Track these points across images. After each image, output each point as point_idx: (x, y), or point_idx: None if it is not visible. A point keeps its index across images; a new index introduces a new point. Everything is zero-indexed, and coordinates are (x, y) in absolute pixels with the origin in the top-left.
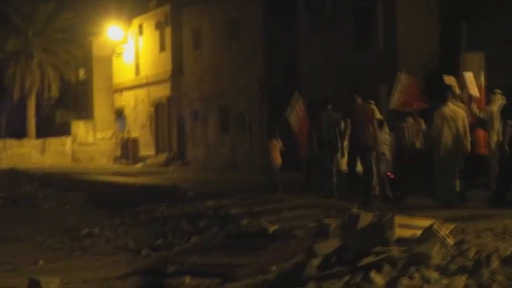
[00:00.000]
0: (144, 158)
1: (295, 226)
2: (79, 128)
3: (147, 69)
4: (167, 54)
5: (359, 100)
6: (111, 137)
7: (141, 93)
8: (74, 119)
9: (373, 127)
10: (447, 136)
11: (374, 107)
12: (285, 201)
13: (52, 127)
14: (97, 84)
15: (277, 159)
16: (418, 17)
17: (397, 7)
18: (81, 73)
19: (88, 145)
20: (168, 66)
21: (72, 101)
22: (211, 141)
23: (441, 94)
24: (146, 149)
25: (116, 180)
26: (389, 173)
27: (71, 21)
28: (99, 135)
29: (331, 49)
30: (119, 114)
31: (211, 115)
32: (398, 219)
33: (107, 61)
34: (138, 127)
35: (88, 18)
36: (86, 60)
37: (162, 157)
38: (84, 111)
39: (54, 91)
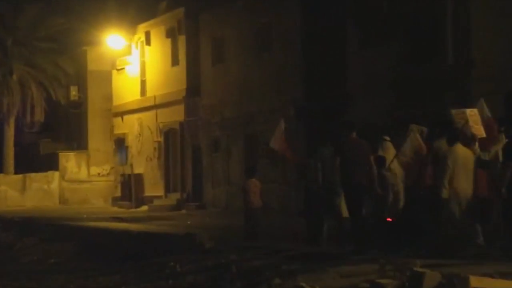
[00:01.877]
0: (150, 200)
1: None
2: (69, 161)
3: (156, 88)
4: (181, 70)
5: (354, 135)
6: (109, 173)
7: (148, 117)
8: (63, 150)
9: (369, 165)
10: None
11: (389, 144)
12: (328, 255)
13: (35, 160)
14: (93, 107)
15: (257, 200)
16: (497, 25)
17: (471, 13)
18: (73, 93)
19: (80, 183)
20: (182, 84)
21: (60, 127)
22: (235, 179)
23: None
24: (153, 189)
25: (115, 226)
26: (388, 218)
27: (60, 28)
28: (94, 170)
29: (386, 64)
30: (120, 144)
31: (235, 145)
32: (475, 281)
33: (106, 78)
34: (143, 161)
35: (82, 24)
36: (79, 76)
37: (173, 199)
38: (76, 140)
39: (38, 115)
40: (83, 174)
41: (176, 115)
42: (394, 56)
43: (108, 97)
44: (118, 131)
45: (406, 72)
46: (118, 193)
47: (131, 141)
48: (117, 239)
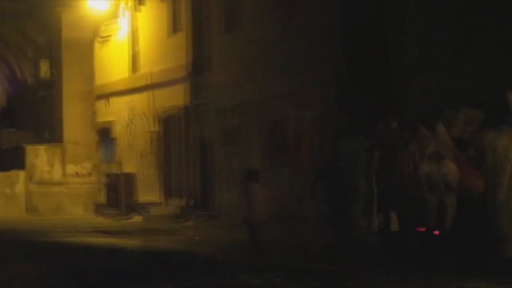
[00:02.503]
0: (145, 208)
1: None
2: (39, 157)
3: (151, 63)
4: (183, 39)
5: (395, 125)
6: (90, 173)
7: (141, 101)
8: (30, 143)
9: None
10: None
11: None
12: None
13: None
14: (69, 87)
15: (259, 211)
16: None
17: None
18: (43, 69)
19: (52, 186)
20: (185, 57)
21: (27, 114)
22: None
23: None
24: (149, 193)
25: (99, 243)
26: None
27: None
28: (71, 169)
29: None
30: (105, 135)
31: (254, 136)
32: None
33: (86, 49)
34: (136, 157)
35: None
36: (52, 48)
37: (176, 206)
38: (48, 130)
39: None
40: (56, 174)
41: (178, 97)
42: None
43: (89, 74)
44: (102, 118)
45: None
46: (103, 199)
47: (119, 131)
48: (101, 258)
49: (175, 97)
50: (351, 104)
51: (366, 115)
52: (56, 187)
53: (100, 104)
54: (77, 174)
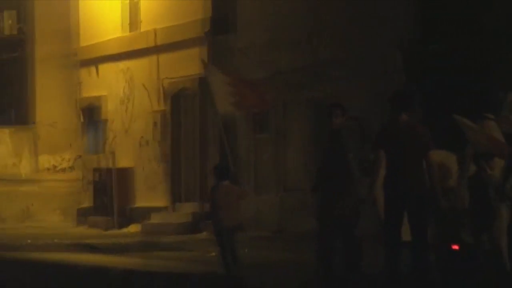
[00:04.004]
0: (145, 214)
1: None
2: (1, 145)
3: (156, 18)
4: None
5: (404, 117)
6: (72, 167)
7: (141, 69)
8: None
9: (428, 164)
10: None
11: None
12: None
13: None
14: (44, 49)
15: (232, 216)
16: None
17: None
18: (8, 23)
19: (20, 184)
20: (201, 11)
21: None
22: (295, 178)
23: None
24: (150, 195)
25: (82, 261)
26: (454, 246)
27: None
28: (45, 161)
29: None
30: (92, 116)
31: (295, 119)
32: None
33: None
34: (134, 147)
35: None
36: None
37: (185, 213)
38: (14, 108)
39: None
40: (25, 168)
41: (192, 65)
42: None
43: (71, 32)
44: (88, 92)
45: None
46: (89, 203)
47: (112, 110)
48: (85, 281)
49: (188, 65)
50: (422, 78)
51: (442, 96)
52: (24, 186)
53: (86, 73)
54: (54, 168)
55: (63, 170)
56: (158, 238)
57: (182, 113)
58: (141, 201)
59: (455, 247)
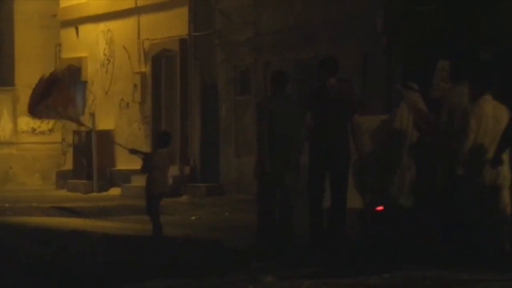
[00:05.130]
0: (125, 177)
1: None
2: None
3: None
4: None
5: (332, 81)
6: (51, 130)
7: (122, 30)
8: None
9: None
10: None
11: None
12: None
13: None
14: (23, 8)
15: (165, 183)
16: None
17: None
18: None
19: None
20: None
21: None
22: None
23: None
24: (130, 158)
25: (61, 224)
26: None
27: None
28: (24, 124)
29: None
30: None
31: None
32: None
33: None
34: (114, 109)
35: None
36: None
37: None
38: None
39: None
40: (4, 130)
41: (173, 26)
42: None
43: None
44: (69, 53)
45: None
46: (68, 165)
47: (92, 72)
48: (64, 246)
49: (169, 26)
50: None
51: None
52: (3, 149)
53: (67, 33)
54: (33, 130)
55: (43, 132)
56: (138, 201)
57: (163, 74)
58: (122, 164)
59: (379, 208)
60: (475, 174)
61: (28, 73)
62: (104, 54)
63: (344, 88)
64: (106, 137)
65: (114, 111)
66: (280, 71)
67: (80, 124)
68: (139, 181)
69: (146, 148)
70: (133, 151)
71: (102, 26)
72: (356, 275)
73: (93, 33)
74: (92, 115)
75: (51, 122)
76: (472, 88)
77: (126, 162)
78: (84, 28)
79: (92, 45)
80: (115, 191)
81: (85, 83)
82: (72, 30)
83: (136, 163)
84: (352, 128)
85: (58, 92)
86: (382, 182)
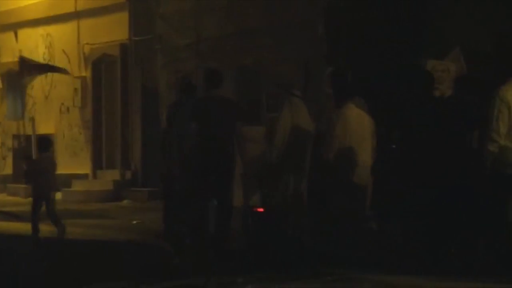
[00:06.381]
0: (66, 182)
1: None
2: None
3: None
4: None
5: (215, 92)
6: None
7: (62, 34)
8: None
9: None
10: None
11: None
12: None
13: None
14: None
15: (50, 185)
16: None
17: None
18: None
19: None
20: None
21: None
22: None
23: None
24: (71, 162)
25: (2, 228)
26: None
27: None
28: None
29: None
30: (11, 82)
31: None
32: None
33: None
34: (54, 113)
35: None
36: None
37: (106, 180)
38: None
39: None
40: None
41: (114, 31)
42: None
43: None
44: (8, 58)
45: None
46: (8, 170)
47: (32, 76)
48: (5, 250)
49: (110, 31)
50: (348, 44)
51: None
52: None
53: (5, 38)
54: None
55: None
56: (79, 205)
57: (103, 79)
58: (62, 168)
59: (260, 209)
60: (346, 175)
61: None
62: (44, 59)
63: (228, 99)
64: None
65: (54, 115)
66: (213, 70)
67: None
68: (79, 186)
69: (86, 152)
70: (26, 157)
71: (41, 30)
72: (296, 279)
73: (33, 37)
74: (32, 120)
75: None
76: (336, 96)
77: (66, 167)
78: (23, 32)
79: (31, 49)
80: (56, 196)
81: (24, 88)
82: (11, 34)
83: (76, 168)
84: (236, 137)
85: None
86: (264, 185)
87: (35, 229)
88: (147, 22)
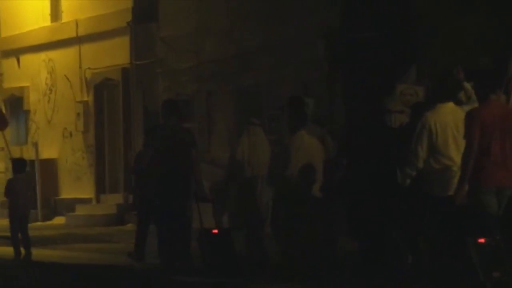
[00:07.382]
0: (69, 206)
1: None
2: None
3: (77, 8)
4: None
5: (172, 120)
6: None
7: (65, 59)
8: None
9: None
10: None
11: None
12: None
13: None
14: None
15: (28, 204)
16: None
17: None
18: None
19: None
20: (123, 2)
21: None
22: (220, 168)
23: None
24: (74, 186)
25: (5, 253)
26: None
27: None
28: None
29: None
30: (14, 107)
31: (220, 108)
32: None
33: None
34: (57, 138)
35: None
36: None
37: (111, 204)
38: None
39: None
40: None
41: (115, 56)
42: None
43: None
44: (11, 83)
45: None
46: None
47: (34, 101)
48: (9, 275)
49: (111, 55)
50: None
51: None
52: None
53: (8, 63)
54: None
55: None
56: (82, 230)
57: (105, 103)
58: (66, 193)
59: (215, 231)
60: (305, 192)
61: None
62: (46, 84)
63: (182, 128)
64: (50, 166)
65: (57, 140)
66: (169, 100)
67: None
68: (83, 210)
69: (89, 177)
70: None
71: (43, 55)
72: None
73: (35, 62)
74: (35, 144)
75: None
76: (289, 123)
77: (70, 191)
78: (26, 58)
79: (33, 74)
80: (59, 220)
81: (27, 112)
82: (13, 60)
83: (80, 192)
84: (192, 162)
85: None
86: (218, 208)
87: (17, 251)
88: (148, 46)
